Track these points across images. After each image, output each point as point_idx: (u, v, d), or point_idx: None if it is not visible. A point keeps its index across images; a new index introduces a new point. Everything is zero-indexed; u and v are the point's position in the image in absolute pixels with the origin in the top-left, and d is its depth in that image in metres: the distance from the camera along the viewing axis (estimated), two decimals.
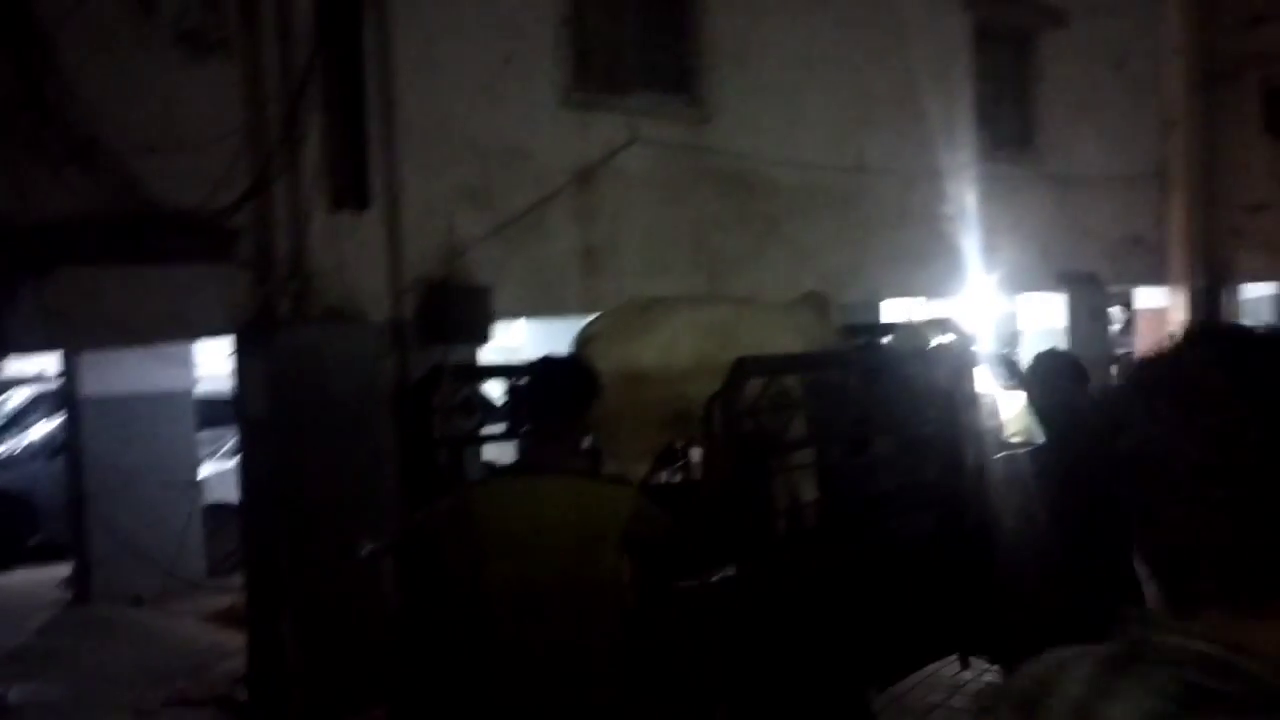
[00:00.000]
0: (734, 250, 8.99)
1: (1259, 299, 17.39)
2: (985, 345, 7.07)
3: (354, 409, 6.22)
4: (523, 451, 3.00)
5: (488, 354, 7.30)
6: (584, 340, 4.23)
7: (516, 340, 12.22)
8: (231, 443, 8.09)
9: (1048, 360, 4.93)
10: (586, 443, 4.42)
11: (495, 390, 7.31)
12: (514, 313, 7.77)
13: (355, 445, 6.15)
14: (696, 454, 4.60)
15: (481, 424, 4.98)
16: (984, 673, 5.48)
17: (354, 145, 6.52)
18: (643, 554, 2.70)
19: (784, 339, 4.42)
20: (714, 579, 3.33)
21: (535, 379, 2.98)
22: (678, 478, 4.95)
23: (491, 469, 4.31)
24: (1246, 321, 16.65)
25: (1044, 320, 13.23)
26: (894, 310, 10.73)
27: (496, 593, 2.63)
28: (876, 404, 4.36)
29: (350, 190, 6.50)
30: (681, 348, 4.13)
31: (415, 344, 6.79)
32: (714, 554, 3.48)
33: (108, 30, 5.58)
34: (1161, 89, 14.96)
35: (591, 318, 4.37)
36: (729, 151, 8.82)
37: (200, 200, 5.84)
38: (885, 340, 5.27)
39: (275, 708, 6.08)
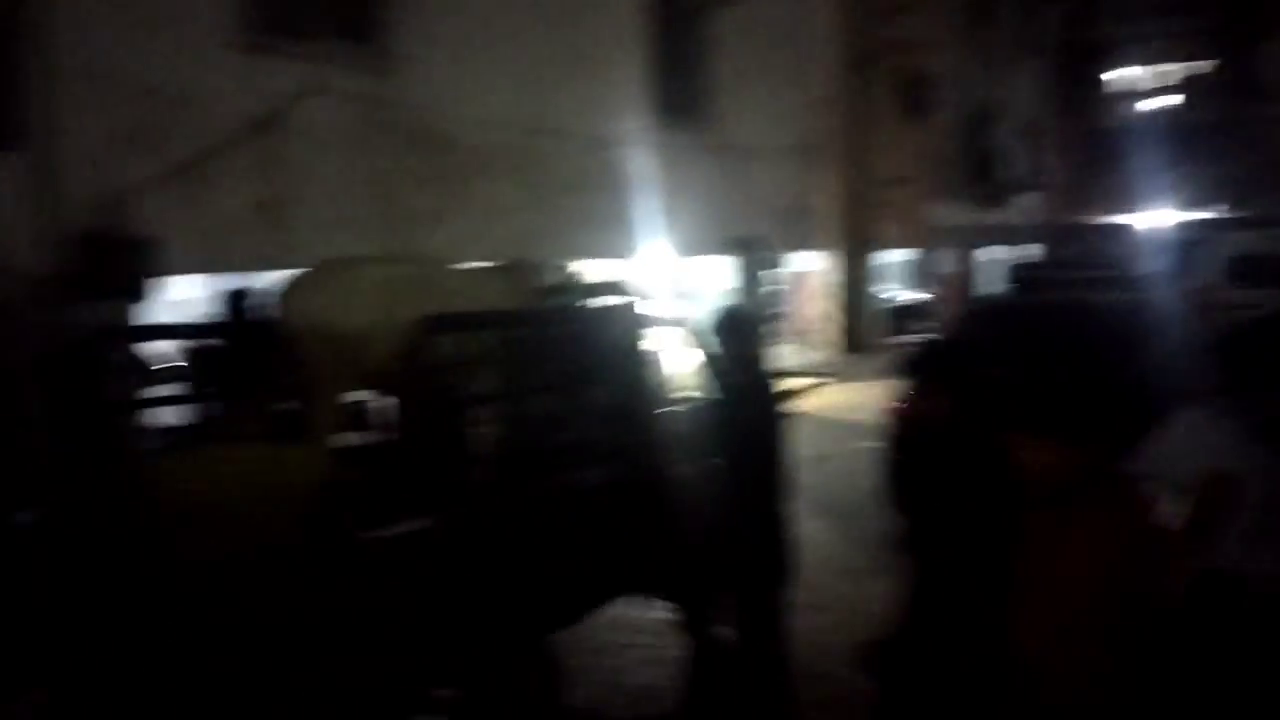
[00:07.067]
0: (424, 207, 8.92)
1: (892, 264, 19.20)
2: (658, 305, 7.46)
3: None
4: (207, 418, 2.94)
5: (159, 312, 6.85)
6: (281, 299, 4.15)
7: (194, 296, 11.49)
8: None
9: (725, 318, 5.27)
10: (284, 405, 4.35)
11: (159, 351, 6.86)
12: (186, 268, 7.33)
13: None
14: (383, 413, 4.64)
15: (142, 387, 4.69)
16: (663, 612, 5.90)
17: (3, 79, 5.94)
18: (329, 510, 2.75)
19: (482, 301, 4.53)
20: (400, 531, 3.44)
21: (222, 343, 2.93)
22: (371, 437, 4.96)
23: (173, 434, 4.12)
24: (884, 285, 18.39)
25: (715, 281, 14.06)
26: (582, 271, 11.06)
27: (181, 565, 2.60)
28: (549, 362, 4.55)
29: None
30: (377, 307, 4.15)
31: (68, 299, 6.31)
32: (402, 506, 3.58)
33: None
34: (816, 69, 16.21)
35: (291, 275, 4.28)
36: (411, 105, 8.73)
37: None
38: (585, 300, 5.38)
39: None
